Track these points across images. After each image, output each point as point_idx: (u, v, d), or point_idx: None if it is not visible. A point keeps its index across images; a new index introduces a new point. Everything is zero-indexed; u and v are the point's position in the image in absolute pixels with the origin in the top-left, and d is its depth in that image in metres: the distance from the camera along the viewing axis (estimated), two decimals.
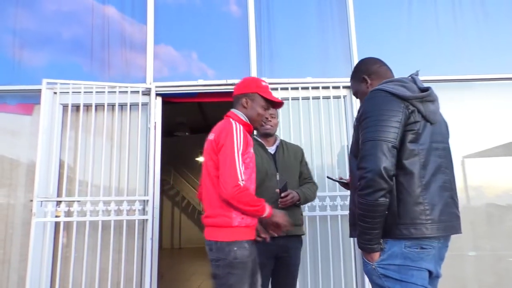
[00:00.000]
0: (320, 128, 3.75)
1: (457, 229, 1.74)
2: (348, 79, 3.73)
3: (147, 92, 3.74)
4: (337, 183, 2.48)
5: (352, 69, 2.08)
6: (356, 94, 2.07)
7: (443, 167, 1.74)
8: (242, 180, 1.98)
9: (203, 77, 3.87)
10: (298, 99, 3.80)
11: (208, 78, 3.87)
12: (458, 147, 3.85)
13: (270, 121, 2.81)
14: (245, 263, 2.01)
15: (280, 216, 2.15)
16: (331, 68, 3.91)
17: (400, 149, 1.64)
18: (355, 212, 1.73)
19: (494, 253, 3.73)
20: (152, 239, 3.48)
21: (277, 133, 3.08)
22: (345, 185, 2.26)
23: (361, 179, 1.62)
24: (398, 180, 1.64)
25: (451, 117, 3.77)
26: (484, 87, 3.95)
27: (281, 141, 2.95)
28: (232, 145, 2.01)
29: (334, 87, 3.78)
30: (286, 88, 3.79)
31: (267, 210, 2.08)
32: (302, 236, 2.82)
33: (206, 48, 3.96)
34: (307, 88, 3.79)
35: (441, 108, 1.91)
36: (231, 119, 2.17)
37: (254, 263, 2.10)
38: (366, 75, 1.97)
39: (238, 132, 2.05)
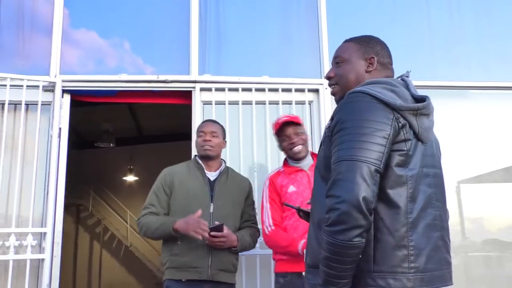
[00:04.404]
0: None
1: (447, 280, 1.71)
2: (316, 81, 3.85)
3: (50, 88, 3.61)
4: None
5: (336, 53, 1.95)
6: (335, 74, 1.91)
7: (434, 199, 1.71)
8: (270, 226, 2.89)
9: (127, 71, 3.79)
10: (251, 103, 3.78)
11: (134, 73, 3.79)
12: (451, 170, 3.91)
13: (210, 140, 2.96)
14: None
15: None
16: (294, 66, 3.92)
17: (383, 175, 1.59)
18: (316, 251, 1.67)
19: None
20: (49, 285, 3.33)
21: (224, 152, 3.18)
22: (306, 215, 2.19)
23: (331, 210, 1.54)
24: (378, 215, 1.59)
25: (443, 132, 3.88)
26: (483, 96, 4.08)
27: (227, 168, 3.09)
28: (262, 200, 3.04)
29: (297, 90, 3.77)
30: (236, 89, 3.76)
31: (300, 245, 2.74)
32: (233, 285, 2.95)
33: (135, 37, 3.90)
34: (262, 89, 3.78)
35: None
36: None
37: None
38: (377, 57, 1.88)
39: (265, 186, 3.02)
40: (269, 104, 3.78)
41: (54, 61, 3.70)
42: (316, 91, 3.81)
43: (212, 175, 2.97)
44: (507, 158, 4.00)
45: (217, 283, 2.79)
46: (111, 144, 10.34)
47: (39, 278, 3.35)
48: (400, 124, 1.63)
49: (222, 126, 3.10)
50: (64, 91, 3.64)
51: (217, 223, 2.75)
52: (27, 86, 3.53)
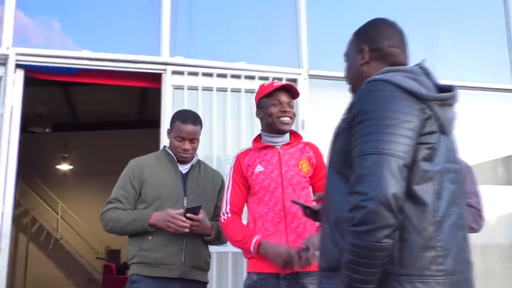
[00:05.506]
0: (252, 131, 3.63)
1: (471, 283, 1.68)
2: (295, 71, 3.81)
3: (2, 61, 3.45)
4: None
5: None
6: (345, 74, 1.91)
7: (456, 196, 1.67)
8: (226, 213, 2.58)
9: (90, 49, 3.60)
10: (226, 91, 3.73)
11: (98, 51, 3.61)
12: None
13: (189, 149, 2.82)
14: None
15: (271, 252, 2.41)
16: (272, 53, 3.88)
17: (410, 170, 1.53)
18: (332, 253, 1.61)
19: None
20: None
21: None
22: (313, 214, 2.10)
23: (356, 209, 1.47)
24: (404, 213, 1.53)
25: None
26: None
27: (199, 161, 3.01)
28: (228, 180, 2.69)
29: (275, 79, 3.66)
30: (210, 75, 3.68)
31: (252, 244, 2.43)
32: (206, 284, 2.88)
33: (99, 10, 3.78)
34: (238, 76, 3.73)
35: None
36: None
37: None
38: (368, 46, 1.80)
39: (231, 166, 2.68)
40: (244, 92, 3.72)
41: (7, 31, 3.49)
42: (294, 81, 3.77)
43: (183, 168, 2.88)
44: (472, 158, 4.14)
45: (189, 281, 2.72)
46: (47, 130, 10.00)
47: None
48: (426, 115, 1.57)
49: (201, 122, 2.89)
50: (17, 66, 3.47)
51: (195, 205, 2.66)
52: None
